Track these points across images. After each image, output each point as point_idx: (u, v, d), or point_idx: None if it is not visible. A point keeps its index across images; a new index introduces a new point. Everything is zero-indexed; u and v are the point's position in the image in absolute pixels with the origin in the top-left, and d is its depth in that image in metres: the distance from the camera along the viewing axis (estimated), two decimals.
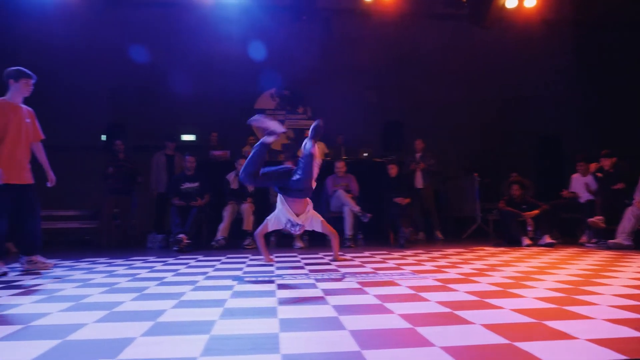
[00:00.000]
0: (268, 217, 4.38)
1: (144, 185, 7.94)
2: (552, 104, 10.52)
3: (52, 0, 9.00)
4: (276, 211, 4.33)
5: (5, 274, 4.03)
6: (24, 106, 4.33)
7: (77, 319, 2.30)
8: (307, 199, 4.30)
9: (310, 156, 4.01)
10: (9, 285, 3.44)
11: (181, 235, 6.29)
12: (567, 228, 7.29)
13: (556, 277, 3.44)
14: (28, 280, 3.70)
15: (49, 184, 4.48)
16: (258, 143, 4.10)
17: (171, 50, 9.84)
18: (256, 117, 4.11)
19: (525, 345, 1.77)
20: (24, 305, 2.69)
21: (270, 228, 4.38)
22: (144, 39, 9.74)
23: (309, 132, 4.12)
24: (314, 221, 4.36)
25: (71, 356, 1.74)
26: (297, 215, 4.21)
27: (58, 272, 4.24)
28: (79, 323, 2.20)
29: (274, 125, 4.09)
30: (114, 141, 7.77)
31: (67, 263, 4.96)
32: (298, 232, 4.37)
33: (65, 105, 9.39)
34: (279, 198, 4.27)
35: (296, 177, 4.01)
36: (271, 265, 4.46)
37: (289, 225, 4.26)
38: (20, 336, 2.02)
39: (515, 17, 10.04)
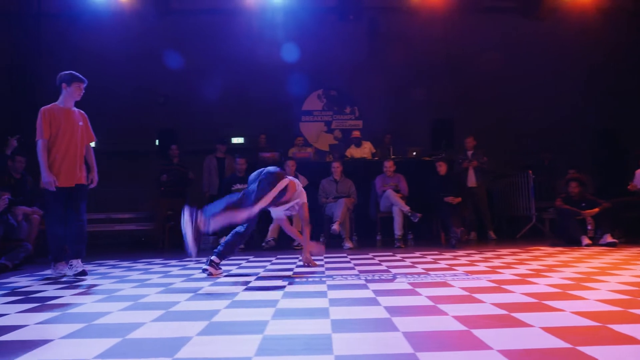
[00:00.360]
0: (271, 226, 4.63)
1: (196, 187, 8.14)
2: (609, 97, 10.02)
3: (107, 11, 9.39)
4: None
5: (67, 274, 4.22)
6: (76, 109, 4.42)
7: (136, 318, 2.37)
8: (285, 178, 4.09)
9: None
10: (71, 285, 3.60)
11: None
12: (630, 227, 6.93)
13: (619, 278, 3.27)
14: (89, 280, 3.86)
15: (91, 185, 4.46)
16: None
17: (219, 56, 10.05)
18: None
19: (589, 350, 1.68)
20: (86, 304, 2.80)
21: (284, 224, 4.63)
22: (192, 46, 10.03)
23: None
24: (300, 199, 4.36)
25: (131, 354, 1.80)
26: (287, 201, 4.23)
27: (117, 272, 4.41)
28: (137, 322, 2.27)
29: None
30: (170, 146, 8.00)
31: (125, 264, 5.14)
32: (297, 210, 4.40)
33: (121, 112, 9.80)
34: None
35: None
36: (321, 266, 4.47)
37: (288, 212, 4.43)
38: (83, 334, 2.10)
39: (570, 7, 9.67)
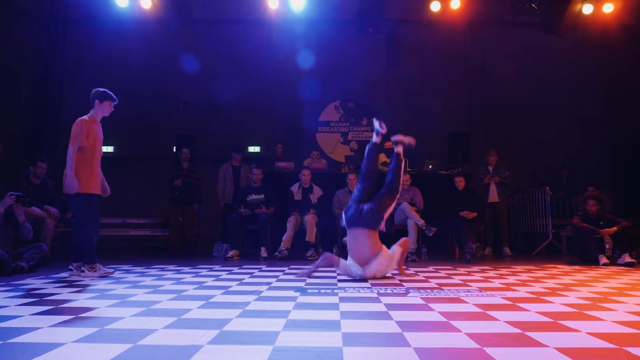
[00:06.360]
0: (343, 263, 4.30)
1: (211, 195, 8.19)
2: (630, 113, 9.87)
3: (131, 19, 9.55)
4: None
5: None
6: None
7: (148, 324, 2.38)
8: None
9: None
10: (86, 289, 3.63)
11: (232, 252, 6.58)
12: None
13: (637, 299, 3.20)
14: (103, 285, 3.89)
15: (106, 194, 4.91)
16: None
17: (239, 65, 10.15)
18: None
19: None
20: (100, 308, 2.82)
21: (337, 269, 4.45)
22: (213, 54, 10.14)
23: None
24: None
25: None
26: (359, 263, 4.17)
27: (131, 277, 4.44)
28: (149, 328, 2.27)
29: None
30: (182, 149, 8.00)
31: (139, 269, 5.18)
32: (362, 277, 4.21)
33: (140, 118, 9.93)
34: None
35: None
36: (334, 277, 4.45)
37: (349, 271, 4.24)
38: (95, 339, 2.11)
39: (592, 23, 9.58)
